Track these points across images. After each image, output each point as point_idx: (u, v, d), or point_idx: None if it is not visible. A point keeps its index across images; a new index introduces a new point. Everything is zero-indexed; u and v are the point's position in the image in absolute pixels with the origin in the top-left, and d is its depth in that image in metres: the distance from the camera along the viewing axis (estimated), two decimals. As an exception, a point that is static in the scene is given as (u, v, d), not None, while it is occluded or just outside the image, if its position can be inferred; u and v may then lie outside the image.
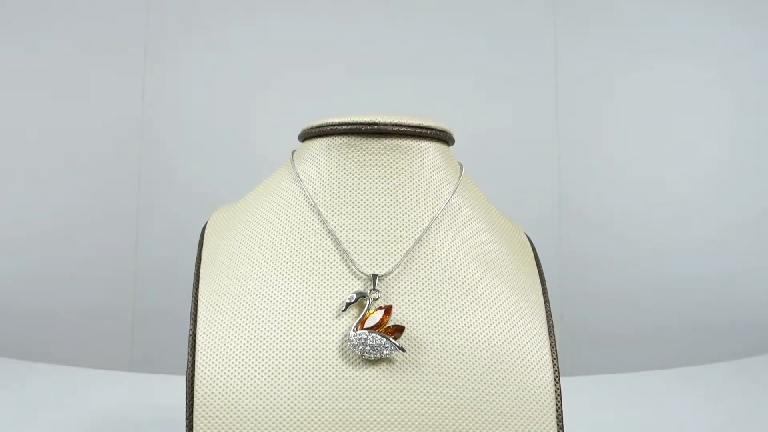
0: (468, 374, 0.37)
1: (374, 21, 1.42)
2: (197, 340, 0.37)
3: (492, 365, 0.37)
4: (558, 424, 0.37)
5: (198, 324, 0.38)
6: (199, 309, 0.38)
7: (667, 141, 1.41)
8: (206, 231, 0.45)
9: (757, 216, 1.38)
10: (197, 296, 0.39)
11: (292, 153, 0.46)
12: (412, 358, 0.37)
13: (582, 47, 1.43)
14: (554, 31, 1.43)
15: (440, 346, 0.38)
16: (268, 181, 0.46)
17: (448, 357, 0.37)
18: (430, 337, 0.38)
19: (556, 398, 0.37)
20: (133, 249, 1.32)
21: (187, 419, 0.35)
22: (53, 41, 1.36)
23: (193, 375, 0.36)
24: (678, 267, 1.37)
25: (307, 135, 0.44)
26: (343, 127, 0.42)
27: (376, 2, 1.43)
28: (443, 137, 0.44)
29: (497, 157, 1.41)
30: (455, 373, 0.37)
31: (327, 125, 0.43)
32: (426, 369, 0.37)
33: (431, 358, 0.37)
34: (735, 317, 1.35)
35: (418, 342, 0.37)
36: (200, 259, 0.42)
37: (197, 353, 0.37)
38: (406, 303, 0.38)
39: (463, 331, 0.38)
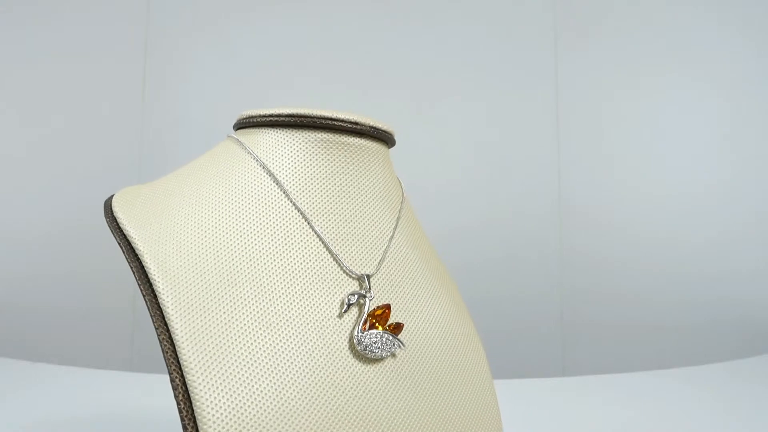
0: (452, 370, 0.39)
1: (375, 24, 1.42)
2: (181, 347, 0.31)
3: (461, 361, 0.40)
4: (497, 411, 0.42)
5: (176, 332, 0.31)
6: (172, 314, 0.32)
7: (667, 142, 1.41)
8: (119, 217, 0.37)
9: (757, 216, 1.38)
10: (158, 299, 0.32)
11: (239, 138, 0.42)
12: (411, 356, 0.38)
13: (582, 50, 1.43)
14: (554, 35, 1.43)
15: (429, 343, 0.39)
16: (213, 165, 0.41)
17: (436, 354, 0.39)
18: (420, 334, 0.39)
19: (492, 385, 0.42)
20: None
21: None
22: (53, 42, 1.36)
23: (187, 391, 0.30)
24: (677, 267, 1.37)
25: (270, 123, 0.40)
26: (324, 122, 0.40)
27: (377, 7, 1.43)
28: (391, 141, 0.44)
29: (499, 158, 1.41)
30: (444, 370, 0.39)
31: (308, 116, 0.39)
32: (424, 365, 0.38)
33: (426, 355, 0.38)
34: (735, 317, 1.35)
35: (412, 339, 0.38)
36: (139, 254, 0.34)
37: (186, 364, 0.31)
38: (396, 302, 0.39)
39: (441, 329, 0.40)
